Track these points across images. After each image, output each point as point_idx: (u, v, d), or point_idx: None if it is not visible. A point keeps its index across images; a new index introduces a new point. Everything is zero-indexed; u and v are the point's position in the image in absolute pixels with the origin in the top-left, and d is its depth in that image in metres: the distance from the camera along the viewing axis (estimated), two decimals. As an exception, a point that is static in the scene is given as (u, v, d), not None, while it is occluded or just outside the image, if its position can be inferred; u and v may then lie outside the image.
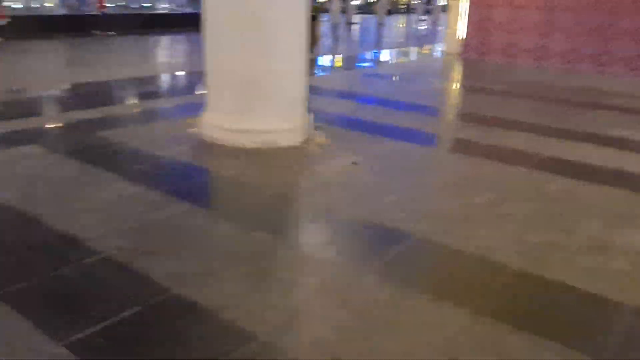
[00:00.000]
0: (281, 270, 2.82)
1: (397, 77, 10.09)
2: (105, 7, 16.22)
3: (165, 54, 13.18)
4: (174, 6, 25.16)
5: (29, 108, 6.43)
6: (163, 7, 24.07)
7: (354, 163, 4.56)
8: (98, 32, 15.36)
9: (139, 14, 19.28)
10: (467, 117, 6.82)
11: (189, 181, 4.10)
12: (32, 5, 19.52)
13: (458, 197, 3.93)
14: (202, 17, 4.96)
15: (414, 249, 3.11)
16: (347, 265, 2.86)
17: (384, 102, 7.40)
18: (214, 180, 4.15)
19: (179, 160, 4.54)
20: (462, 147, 5.40)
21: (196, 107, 6.03)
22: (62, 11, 19.15)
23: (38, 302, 2.43)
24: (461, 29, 13.52)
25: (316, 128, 5.37)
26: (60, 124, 5.48)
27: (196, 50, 12.50)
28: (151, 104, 6.69)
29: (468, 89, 9.26)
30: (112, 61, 11.01)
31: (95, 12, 16.92)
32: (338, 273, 2.77)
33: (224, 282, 2.63)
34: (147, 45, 14.50)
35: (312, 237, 3.24)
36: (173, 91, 8.05)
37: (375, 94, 8.01)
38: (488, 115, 6.72)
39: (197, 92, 7.40)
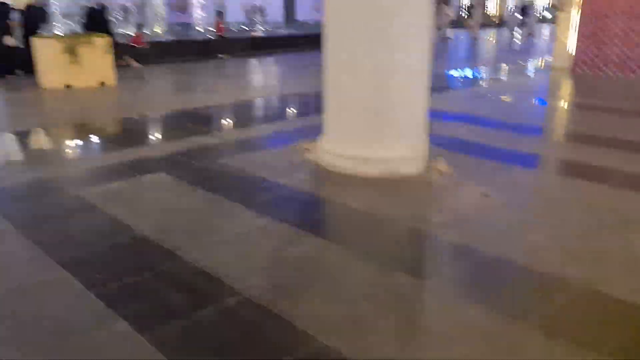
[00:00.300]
0: (432, 322, 2.59)
1: (506, 96, 9.59)
2: (223, 30, 16.93)
3: (277, 76, 13.38)
4: (268, 27, 26.01)
5: (153, 133, 6.71)
6: (260, 29, 24.92)
7: (485, 195, 4.25)
8: (219, 55, 15.98)
9: (254, 37, 20.05)
10: (594, 140, 6.26)
11: (316, 213, 4.00)
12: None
13: (612, 235, 3.51)
14: (323, 38, 4.88)
15: (577, 301, 2.76)
16: (504, 321, 2.57)
17: (497, 124, 6.99)
18: (342, 212, 4.00)
19: (302, 189, 4.46)
20: (601, 176, 4.91)
21: (309, 132, 6.00)
22: (169, 37, 20.30)
23: (182, 345, 2.37)
24: (571, 42, 12.70)
25: (435, 154, 5.11)
26: (183, 150, 5.61)
27: (304, 73, 12.71)
28: (265, 128, 6.74)
29: (585, 107, 8.58)
30: (227, 84, 11.41)
31: (214, 37, 17.61)
32: (497, 332, 2.49)
33: (372, 334, 2.44)
34: (258, 67, 14.97)
35: (458, 283, 2.99)
36: (284, 114, 8.11)
37: (486, 115, 7.60)
38: (619, 138, 6.13)
39: (308, 116, 7.40)
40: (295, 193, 4.36)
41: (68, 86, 9.77)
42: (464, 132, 6.46)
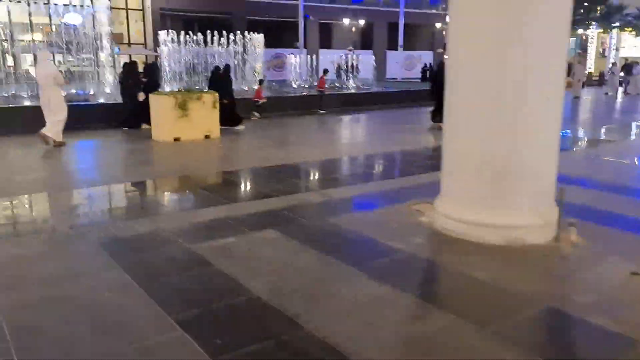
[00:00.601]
0: None
1: (623, 159, 8.85)
2: (324, 86, 17.41)
3: (376, 132, 13.31)
4: (360, 84, 26.49)
5: (257, 187, 6.74)
6: (352, 86, 25.44)
7: (635, 273, 3.73)
8: (320, 111, 16.43)
9: (351, 93, 20.54)
10: None
11: (439, 283, 3.69)
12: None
13: None
14: (446, 94, 4.68)
15: None
16: None
17: (623, 190, 6.36)
18: (467, 283, 3.66)
19: (419, 255, 4.17)
20: None
21: (417, 191, 5.75)
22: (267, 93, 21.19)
23: None
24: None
25: (565, 222, 4.64)
26: (289, 206, 5.53)
27: (402, 129, 12.56)
28: (371, 186, 6.56)
29: None
30: (327, 139, 11.54)
31: (313, 93, 18.20)
32: None
33: None
34: (357, 122, 15.12)
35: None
36: (388, 172, 7.94)
37: (608, 179, 6.97)
38: None
39: (413, 174, 7.17)
40: (413, 259, 4.07)
41: (177, 139, 10.25)
42: (589, 198, 5.90)
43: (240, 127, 12.16)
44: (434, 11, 49.34)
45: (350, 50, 40.04)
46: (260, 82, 16.46)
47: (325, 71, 18.10)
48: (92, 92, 17.70)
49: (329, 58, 37.88)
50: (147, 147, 9.95)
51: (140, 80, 11.96)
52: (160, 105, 10.33)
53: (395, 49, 43.40)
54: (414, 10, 45.12)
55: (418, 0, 47.66)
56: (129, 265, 3.88)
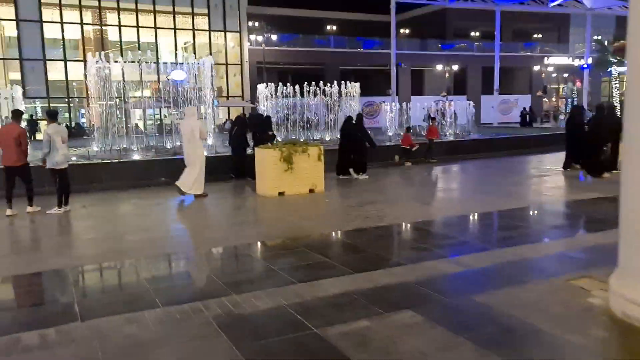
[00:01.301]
0: None
1: None
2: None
3: (503, 182, 12.23)
4: (457, 130, 25.51)
5: (379, 252, 6.09)
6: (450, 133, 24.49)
7: None
8: (432, 159, 15.79)
9: (461, 140, 20.24)
10: None
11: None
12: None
13: None
14: (627, 130, 3.84)
15: None
16: None
17: None
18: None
19: (606, 355, 3.28)
20: None
21: (572, 259, 4.84)
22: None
23: None
24: None
25: None
26: (423, 278, 4.82)
27: (535, 176, 11.53)
28: (511, 252, 5.67)
29: None
30: (448, 190, 10.76)
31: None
32: None
33: None
34: (476, 171, 14.28)
35: None
36: (530, 232, 6.99)
37: None
38: None
39: (569, 235, 6.23)
40: (603, 362, 3.20)
41: (281, 193, 9.93)
42: None
43: (364, 177, 12.13)
44: (529, 54, 47.60)
45: (444, 96, 39.28)
46: (408, 129, 16.60)
47: (433, 119, 17.40)
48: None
49: (420, 105, 37.40)
50: (252, 203, 9.71)
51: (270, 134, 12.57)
52: (265, 159, 10.13)
53: (490, 93, 42.00)
54: (509, 53, 43.72)
55: (513, 43, 46.22)
56: (254, 357, 3.34)
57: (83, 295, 4.90)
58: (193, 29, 36.35)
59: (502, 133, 24.43)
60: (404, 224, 7.48)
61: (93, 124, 20.21)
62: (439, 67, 40.64)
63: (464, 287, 4.64)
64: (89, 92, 19.62)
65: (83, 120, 34.52)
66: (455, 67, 41.15)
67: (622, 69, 37.78)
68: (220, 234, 7.33)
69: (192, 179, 9.92)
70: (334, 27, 46.77)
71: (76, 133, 28.70)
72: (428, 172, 14.01)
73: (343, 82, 23.50)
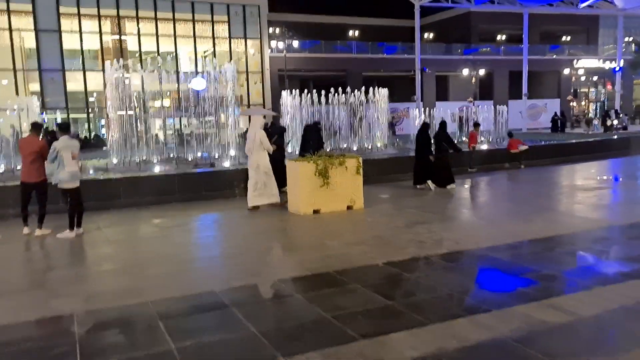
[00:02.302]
0: None
1: None
2: (476, 142, 15.81)
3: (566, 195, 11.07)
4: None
5: (460, 292, 5.00)
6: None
7: None
8: (469, 169, 14.77)
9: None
10: None
11: None
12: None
13: None
14: None
15: None
16: None
17: None
18: None
19: None
20: None
21: None
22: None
23: None
24: None
25: None
26: (524, 332, 3.74)
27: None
28: (624, 290, 4.56)
29: None
30: (541, 205, 9.60)
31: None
32: None
33: None
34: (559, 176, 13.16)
35: None
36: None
37: None
38: None
39: None
40: None
41: (316, 211, 8.91)
42: None
43: (452, 186, 11.63)
44: (557, 57, 46.01)
45: (470, 101, 37.91)
46: (510, 134, 16.57)
47: (476, 125, 16.16)
48: (216, 156, 17.38)
49: (445, 110, 36.12)
50: (284, 223, 8.68)
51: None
52: (297, 173, 9.10)
53: (518, 98, 40.51)
54: (536, 56, 42.23)
55: (540, 46, 44.71)
56: None
57: (88, 357, 3.85)
58: (213, 37, 35.68)
59: (557, 139, 22.95)
60: (469, 251, 6.37)
61: (112, 135, 19.51)
62: (466, 71, 39.31)
63: (579, 346, 3.55)
64: (107, 101, 18.88)
65: (103, 131, 34.01)
66: (481, 72, 39.78)
67: (661, 70, 36.14)
68: (251, 264, 6.23)
69: (274, 188, 9.71)
70: (356, 33, 45.85)
71: (95, 144, 28.13)
72: (471, 184, 12.84)
73: (368, 88, 22.50)
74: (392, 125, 35.17)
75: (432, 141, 11.81)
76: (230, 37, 36.04)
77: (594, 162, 16.39)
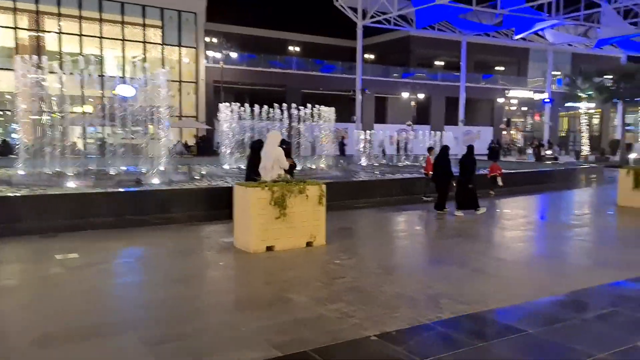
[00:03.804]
0: None
1: None
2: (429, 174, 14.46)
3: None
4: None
5: None
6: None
7: None
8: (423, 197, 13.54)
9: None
10: None
11: None
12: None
13: None
14: None
15: None
16: None
17: None
18: None
19: None
20: None
21: None
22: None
23: None
24: None
25: None
26: None
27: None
28: None
29: None
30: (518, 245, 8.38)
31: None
32: None
33: None
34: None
35: None
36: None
37: None
38: None
39: None
40: None
41: (270, 248, 7.33)
42: None
43: (482, 210, 11.22)
44: (488, 85, 46.93)
45: (409, 125, 37.62)
46: (430, 149, 15.35)
47: (430, 149, 14.80)
48: (144, 171, 15.29)
49: (384, 132, 35.59)
50: (231, 264, 7.02)
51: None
52: (248, 202, 7.45)
53: (453, 123, 40.73)
54: (473, 84, 42.82)
55: (475, 75, 45.51)
56: None
57: None
58: (144, 42, 33.21)
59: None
60: (477, 312, 5.01)
61: (19, 142, 16.96)
62: (404, 94, 39.05)
63: None
64: (17, 103, 16.35)
65: (14, 135, 30.47)
66: (420, 96, 39.70)
67: (591, 104, 37.57)
68: (188, 336, 4.53)
69: None
70: (297, 49, 44.73)
71: (3, 151, 24.93)
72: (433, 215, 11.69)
73: (306, 105, 21.24)
74: (342, 145, 34.16)
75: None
76: (163, 44, 33.71)
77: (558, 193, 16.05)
